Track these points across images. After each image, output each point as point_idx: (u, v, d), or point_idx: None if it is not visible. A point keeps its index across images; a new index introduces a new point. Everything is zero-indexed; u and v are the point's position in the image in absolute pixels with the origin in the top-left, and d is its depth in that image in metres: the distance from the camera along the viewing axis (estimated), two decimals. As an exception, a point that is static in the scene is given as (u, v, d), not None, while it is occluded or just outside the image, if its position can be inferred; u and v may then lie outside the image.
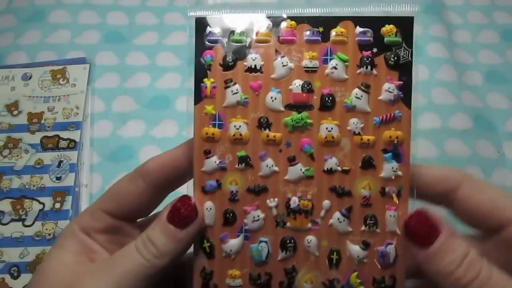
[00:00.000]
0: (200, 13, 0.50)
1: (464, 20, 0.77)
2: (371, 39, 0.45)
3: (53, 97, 0.68)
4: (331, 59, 0.45)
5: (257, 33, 0.46)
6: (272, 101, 0.45)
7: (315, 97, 0.45)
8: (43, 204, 0.63)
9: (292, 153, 0.45)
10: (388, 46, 0.45)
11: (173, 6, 0.78)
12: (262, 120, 0.45)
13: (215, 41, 0.46)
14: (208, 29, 0.49)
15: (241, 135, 0.46)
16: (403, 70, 0.47)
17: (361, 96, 0.45)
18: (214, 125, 0.45)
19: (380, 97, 0.45)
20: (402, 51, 0.48)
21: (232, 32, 0.46)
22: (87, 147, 0.66)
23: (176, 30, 0.76)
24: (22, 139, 0.66)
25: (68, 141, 0.66)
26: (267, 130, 0.45)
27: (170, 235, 0.41)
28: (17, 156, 0.65)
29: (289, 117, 0.45)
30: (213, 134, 0.46)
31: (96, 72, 0.71)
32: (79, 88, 0.69)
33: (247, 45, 0.46)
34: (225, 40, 0.46)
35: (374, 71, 0.45)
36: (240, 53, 0.46)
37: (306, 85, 0.45)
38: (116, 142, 0.68)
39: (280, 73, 0.46)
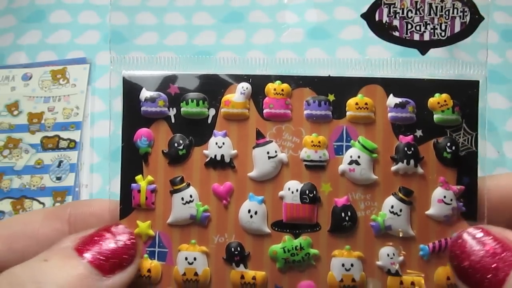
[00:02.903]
0: (131, 69, 0.29)
1: (464, 20, 0.73)
2: (414, 115, 0.28)
3: (53, 97, 0.68)
4: (348, 148, 0.31)
5: (226, 102, 0.31)
6: (251, 216, 0.30)
7: (323, 210, 0.30)
8: (43, 204, 0.62)
9: (284, 305, 0.30)
10: (439, 128, 0.30)
11: (173, 6, 0.74)
12: (233, 248, 0.30)
13: (156, 114, 0.25)
14: (145, 93, 0.29)
15: (196, 274, 0.30)
16: (465, 167, 0.28)
17: (400, 210, 0.30)
18: (151, 255, 0.31)
19: (430, 212, 0.30)
20: (462, 136, 0.29)
21: (185, 99, 0.30)
22: (87, 147, 0.66)
23: (176, 30, 0.72)
24: (22, 139, 0.66)
25: (68, 141, 0.65)
26: (241, 266, 0.30)
27: (81, 278, 0.26)
28: (17, 156, 0.65)
29: (280, 244, 0.30)
30: (149, 270, 0.30)
31: (96, 72, 0.70)
32: (79, 88, 0.69)
33: (209, 122, 0.31)
34: (172, 112, 0.30)
35: (420, 169, 0.31)
36: (198, 135, 0.31)
37: (308, 191, 0.30)
38: (116, 142, 0.62)
39: (263, 170, 0.30)
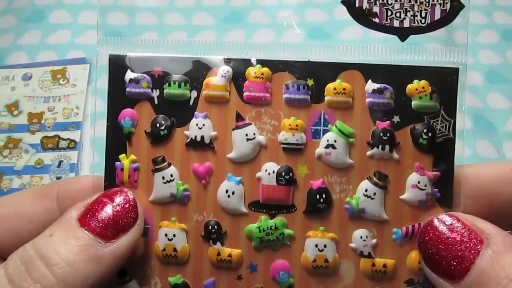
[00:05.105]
0: (117, 49, 0.30)
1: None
2: (391, 101, 0.26)
3: (53, 97, 0.68)
4: (325, 132, 0.31)
5: (207, 85, 0.26)
6: (228, 196, 0.31)
7: (298, 192, 0.31)
8: (44, 203, 0.65)
9: (259, 283, 0.31)
10: (417, 114, 0.31)
11: (173, 6, 0.75)
12: (210, 227, 0.31)
13: (140, 95, 0.27)
14: (129, 74, 0.30)
15: (175, 250, 0.32)
16: (441, 153, 0.28)
17: (374, 193, 0.31)
18: (133, 231, 0.32)
19: (404, 196, 0.31)
20: (439, 122, 0.29)
21: (167, 81, 0.30)
22: (87, 147, 0.66)
23: (176, 30, 0.73)
24: (22, 139, 0.66)
25: (68, 141, 0.65)
26: (218, 244, 0.31)
27: (85, 248, 0.27)
28: (17, 156, 0.65)
29: (256, 224, 0.31)
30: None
31: (96, 72, 0.63)
32: (79, 88, 0.69)
33: (190, 103, 0.32)
34: (155, 93, 0.31)
35: (395, 154, 0.31)
36: (180, 116, 0.32)
37: (284, 173, 0.31)
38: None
39: (242, 151, 0.31)
